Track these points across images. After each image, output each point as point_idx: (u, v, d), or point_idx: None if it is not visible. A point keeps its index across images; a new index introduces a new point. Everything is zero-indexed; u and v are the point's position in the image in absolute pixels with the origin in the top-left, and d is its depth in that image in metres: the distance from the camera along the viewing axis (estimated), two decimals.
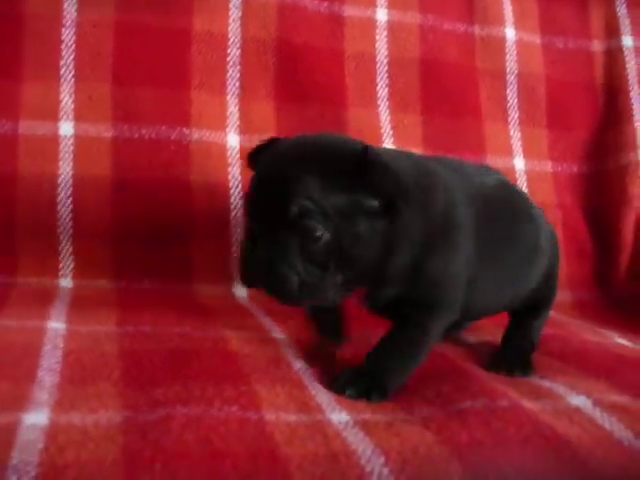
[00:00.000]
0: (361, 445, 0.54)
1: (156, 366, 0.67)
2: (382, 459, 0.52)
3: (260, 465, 0.51)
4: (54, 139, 0.97)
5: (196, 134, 1.00)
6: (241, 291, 0.99)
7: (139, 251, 0.96)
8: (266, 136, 1.00)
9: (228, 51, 1.04)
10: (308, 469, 0.50)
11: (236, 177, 1.02)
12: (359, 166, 0.62)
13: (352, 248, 0.63)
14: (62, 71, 0.98)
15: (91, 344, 0.71)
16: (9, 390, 0.59)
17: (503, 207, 0.78)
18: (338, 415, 0.60)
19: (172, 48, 1.01)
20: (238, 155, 1.02)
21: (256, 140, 1.00)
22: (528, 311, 0.84)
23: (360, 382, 0.64)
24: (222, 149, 1.02)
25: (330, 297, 0.65)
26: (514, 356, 0.79)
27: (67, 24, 0.99)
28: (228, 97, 1.04)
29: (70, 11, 1.00)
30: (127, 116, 0.98)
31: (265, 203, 0.64)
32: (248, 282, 0.67)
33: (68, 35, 0.99)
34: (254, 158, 0.71)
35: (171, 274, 0.97)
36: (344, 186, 0.62)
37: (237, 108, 1.04)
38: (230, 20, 1.04)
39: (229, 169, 1.02)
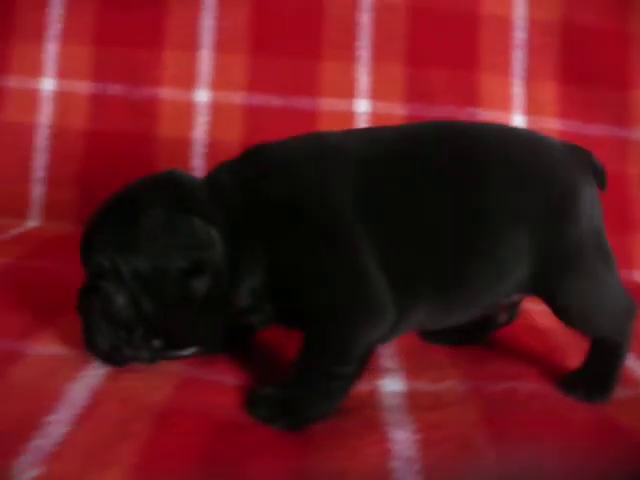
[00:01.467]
0: None
1: None
2: None
3: (603, 435, 0.53)
4: (352, 116, 1.01)
5: (484, 114, 1.02)
6: None
7: None
8: (550, 118, 1.02)
9: (514, 34, 1.05)
10: None
11: None
12: (148, 225, 0.56)
13: (160, 312, 0.56)
14: (359, 52, 1.02)
15: None
16: None
17: (419, 170, 0.59)
18: None
19: (462, 31, 1.03)
20: None
21: (540, 122, 1.02)
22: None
23: (273, 407, 0.57)
24: None
25: (150, 360, 0.59)
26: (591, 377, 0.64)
27: (364, 7, 1.03)
28: (514, 79, 1.05)
29: None
30: (420, 95, 1.02)
31: (81, 257, 0.60)
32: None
33: (365, 18, 1.03)
34: None
35: None
36: (145, 249, 0.56)
37: (522, 90, 1.05)
38: (517, 3, 1.05)
39: None
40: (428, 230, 0.57)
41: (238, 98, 1.02)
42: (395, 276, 0.56)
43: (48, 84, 1.06)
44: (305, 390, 0.57)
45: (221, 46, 1.04)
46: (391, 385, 0.62)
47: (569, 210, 0.59)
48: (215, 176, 0.62)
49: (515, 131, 0.65)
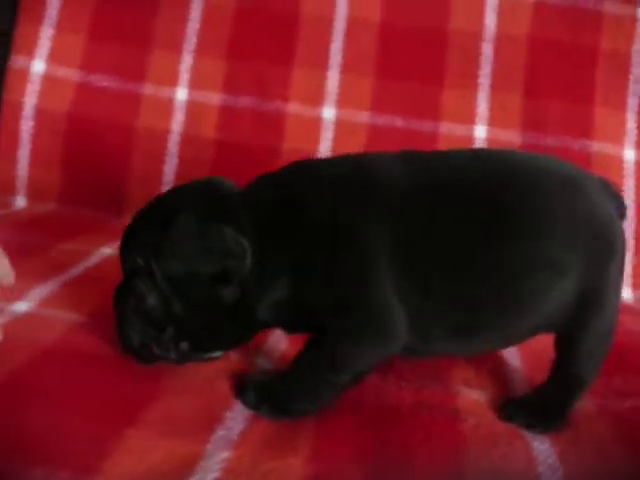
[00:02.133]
0: None
1: None
2: None
3: None
4: (471, 141, 1.06)
5: (596, 146, 1.06)
6: None
7: None
8: None
9: (632, 69, 1.09)
10: None
11: (630, 188, 1.06)
12: (181, 232, 0.59)
13: (189, 315, 0.59)
14: (480, 80, 1.07)
15: None
16: None
17: (460, 200, 0.59)
18: None
19: (580, 64, 1.08)
20: (633, 168, 1.07)
21: None
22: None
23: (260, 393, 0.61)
24: (619, 162, 1.07)
25: (177, 360, 0.62)
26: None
27: (486, 38, 1.08)
28: (628, 113, 1.09)
29: (490, 27, 1.09)
30: (536, 125, 1.06)
31: (119, 255, 0.63)
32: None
33: (487, 48, 1.08)
34: None
35: None
36: (177, 255, 0.59)
37: (635, 125, 1.08)
38: (636, 40, 1.09)
39: (624, 180, 1.07)
40: (450, 271, 0.59)
41: (363, 117, 1.08)
42: (412, 311, 0.59)
43: (182, 93, 1.12)
44: (294, 385, 0.61)
45: (348, 67, 1.09)
46: None
47: (607, 262, 0.61)
48: (253, 187, 0.64)
49: (563, 172, 0.64)
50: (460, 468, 0.55)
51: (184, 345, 0.60)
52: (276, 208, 0.61)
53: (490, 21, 1.09)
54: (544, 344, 0.72)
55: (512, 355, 0.76)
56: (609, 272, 0.61)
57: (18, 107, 1.14)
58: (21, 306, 0.74)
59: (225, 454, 0.54)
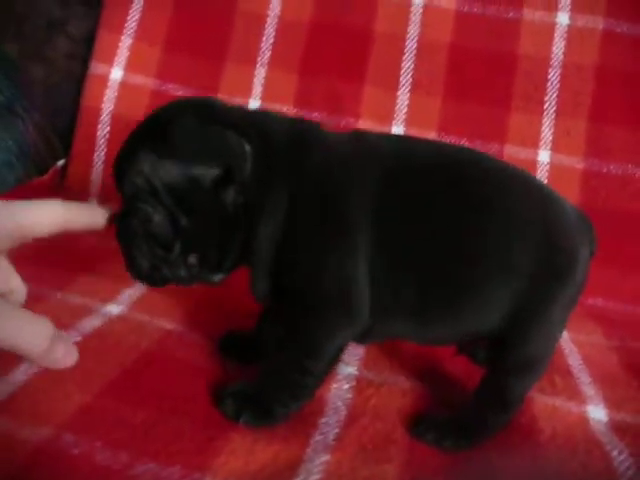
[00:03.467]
0: None
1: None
2: None
3: None
4: (534, 165, 1.09)
5: None
6: None
7: None
8: None
9: None
10: None
11: None
12: (180, 135, 0.56)
13: (195, 226, 0.57)
14: (545, 106, 1.10)
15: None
16: None
17: (435, 188, 0.61)
18: None
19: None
20: None
21: None
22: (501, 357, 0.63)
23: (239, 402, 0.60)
24: None
25: (187, 279, 0.60)
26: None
27: (554, 65, 1.11)
28: None
29: (557, 54, 1.12)
30: (598, 152, 1.09)
31: (115, 184, 0.60)
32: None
33: (554, 75, 1.11)
34: None
35: None
36: (177, 159, 0.56)
37: None
38: None
39: None
40: (424, 256, 0.59)
41: (430, 137, 1.11)
42: (380, 290, 0.60)
43: (254, 105, 1.16)
44: (274, 383, 0.61)
45: (418, 87, 1.13)
46: (595, 413, 0.70)
47: (565, 277, 0.61)
48: (256, 113, 0.65)
49: (541, 188, 0.66)
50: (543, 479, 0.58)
51: (192, 259, 0.59)
52: (280, 139, 0.61)
53: (558, 48, 1.11)
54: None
55: (579, 366, 0.79)
56: (558, 293, 0.61)
57: (95, 112, 1.18)
58: (114, 308, 0.78)
59: (325, 457, 0.58)
